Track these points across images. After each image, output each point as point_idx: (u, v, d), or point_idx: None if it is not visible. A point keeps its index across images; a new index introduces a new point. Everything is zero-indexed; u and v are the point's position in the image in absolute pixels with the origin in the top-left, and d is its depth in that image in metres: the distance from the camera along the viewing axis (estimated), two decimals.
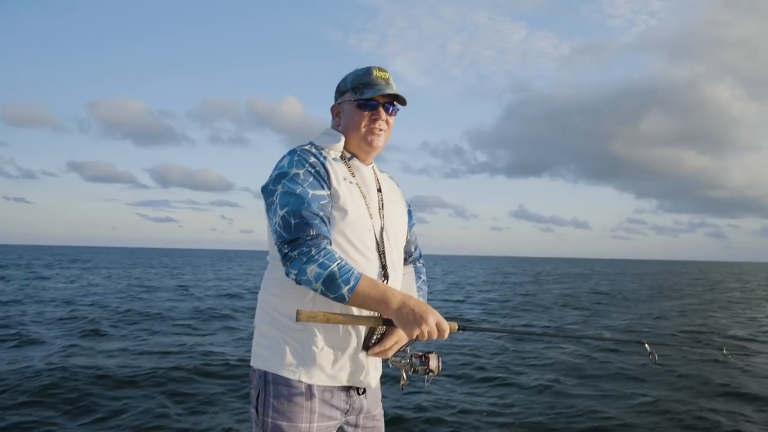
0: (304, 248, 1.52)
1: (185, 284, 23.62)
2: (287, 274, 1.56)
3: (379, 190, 1.84)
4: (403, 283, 1.89)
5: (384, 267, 1.74)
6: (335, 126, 1.84)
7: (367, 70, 1.77)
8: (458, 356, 7.45)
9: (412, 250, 2.03)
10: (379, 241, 1.75)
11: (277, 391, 1.63)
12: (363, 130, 1.76)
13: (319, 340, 1.63)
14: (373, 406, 1.84)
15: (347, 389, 1.71)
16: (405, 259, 1.98)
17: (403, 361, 1.68)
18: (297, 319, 1.50)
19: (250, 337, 1.81)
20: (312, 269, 1.50)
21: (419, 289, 1.98)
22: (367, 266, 1.68)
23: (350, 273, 1.52)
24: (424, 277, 2.05)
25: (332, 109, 1.85)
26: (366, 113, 1.76)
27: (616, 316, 14.24)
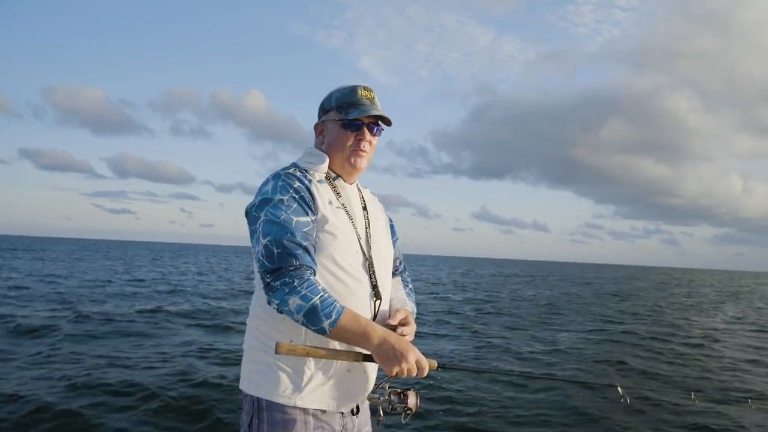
0: (287, 279, 1.51)
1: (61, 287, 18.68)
2: (269, 303, 1.55)
3: (365, 208, 1.82)
4: (392, 291, 1.89)
5: (375, 287, 1.73)
6: (318, 144, 1.81)
7: (353, 89, 1.75)
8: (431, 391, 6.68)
9: (398, 264, 2.02)
10: (369, 262, 1.73)
11: (271, 418, 1.60)
12: (347, 150, 1.75)
13: (311, 363, 1.62)
14: (364, 424, 1.82)
15: (342, 413, 1.70)
16: (393, 274, 1.97)
17: (381, 398, 1.65)
18: (276, 352, 1.50)
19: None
20: (294, 301, 1.49)
21: (408, 295, 1.95)
22: (358, 288, 1.67)
23: (332, 307, 1.51)
24: (410, 286, 2.05)
25: (316, 127, 1.83)
26: (350, 133, 1.74)
27: (581, 320, 14.80)
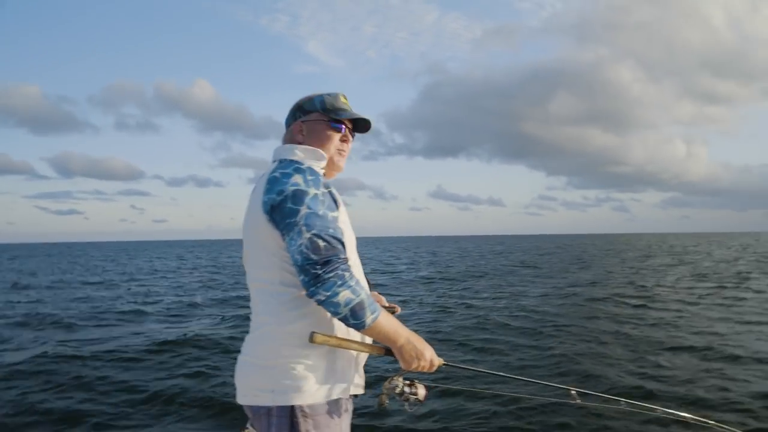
0: (339, 271, 1.53)
1: None
2: (312, 295, 1.54)
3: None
4: None
5: (366, 278, 1.82)
6: (296, 142, 1.82)
7: (337, 95, 1.85)
8: None
9: None
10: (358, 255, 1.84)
11: (317, 422, 1.63)
12: (333, 150, 1.82)
13: (342, 356, 1.69)
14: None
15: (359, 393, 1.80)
16: None
17: (397, 389, 1.78)
18: (311, 341, 1.56)
19: None
20: (345, 294, 1.52)
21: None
22: (364, 283, 1.70)
23: (375, 304, 1.59)
24: None
25: (293, 126, 1.85)
26: (338, 134, 1.82)
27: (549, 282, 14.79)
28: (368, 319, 1.55)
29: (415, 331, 1.70)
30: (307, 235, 1.54)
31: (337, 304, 1.52)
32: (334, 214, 1.64)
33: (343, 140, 1.84)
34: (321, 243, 1.54)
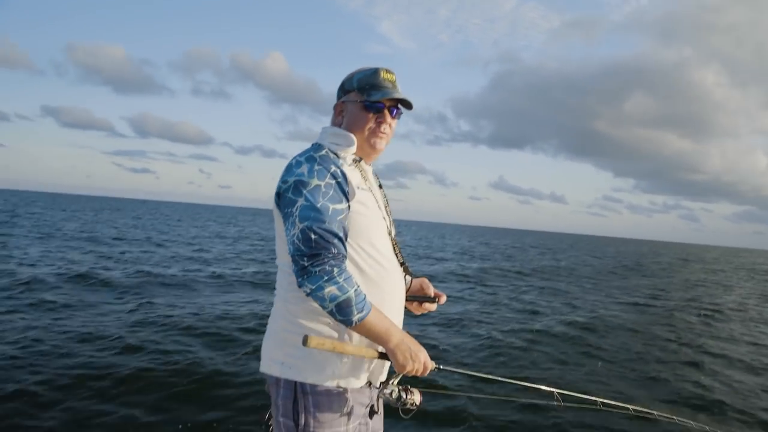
0: (327, 267, 1.53)
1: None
2: (300, 286, 1.56)
3: (380, 187, 1.88)
4: None
5: (402, 264, 1.83)
6: (337, 124, 1.81)
7: (375, 71, 1.76)
8: None
9: None
10: (394, 241, 1.82)
11: (317, 401, 1.65)
12: (367, 132, 1.76)
13: (353, 343, 1.68)
14: (379, 427, 1.92)
15: (369, 384, 1.77)
16: None
17: (393, 395, 1.72)
18: (304, 344, 1.55)
19: None
20: (331, 290, 1.52)
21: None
22: (392, 268, 1.75)
23: (364, 302, 1.57)
24: None
25: (335, 107, 1.83)
26: (371, 115, 1.75)
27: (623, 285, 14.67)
28: (354, 317, 1.54)
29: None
30: (300, 227, 1.56)
31: (323, 299, 1.53)
32: (338, 206, 1.61)
33: (380, 121, 1.77)
34: (312, 236, 1.54)
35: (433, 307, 1.99)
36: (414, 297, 1.97)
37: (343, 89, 1.80)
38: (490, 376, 2.03)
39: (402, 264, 1.84)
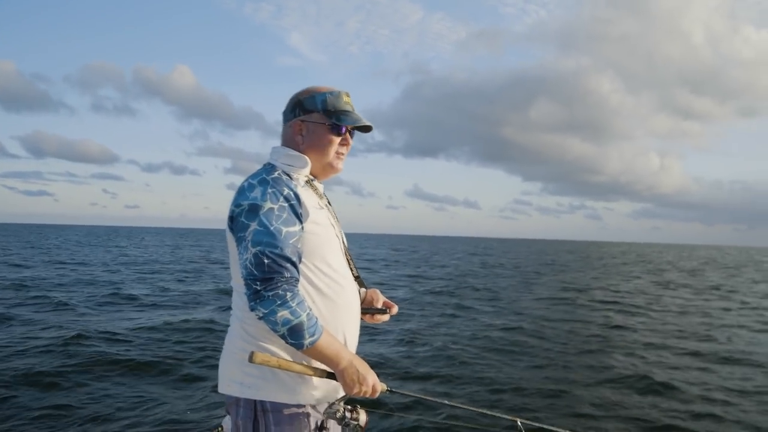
0: (280, 291, 1.53)
1: None
2: (252, 309, 1.55)
3: (329, 204, 1.86)
4: None
5: (357, 277, 1.88)
6: (297, 143, 1.78)
7: (339, 95, 1.78)
8: None
9: None
10: (347, 256, 1.85)
11: (278, 418, 1.65)
12: (331, 155, 1.79)
13: (303, 361, 1.67)
14: None
15: (328, 403, 1.77)
16: None
17: (337, 414, 1.72)
18: (249, 360, 1.54)
19: None
20: (283, 314, 1.52)
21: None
22: (347, 283, 1.78)
23: (315, 326, 1.57)
24: None
25: (293, 125, 1.79)
26: (337, 138, 1.78)
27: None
28: (306, 341, 1.54)
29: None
30: (253, 251, 1.55)
31: (275, 323, 1.52)
32: (291, 228, 1.60)
33: (343, 143, 1.81)
34: (265, 260, 1.54)
35: (385, 317, 2.00)
36: (366, 309, 1.97)
37: (303, 108, 1.78)
38: (445, 402, 2.01)
39: (357, 278, 1.88)
